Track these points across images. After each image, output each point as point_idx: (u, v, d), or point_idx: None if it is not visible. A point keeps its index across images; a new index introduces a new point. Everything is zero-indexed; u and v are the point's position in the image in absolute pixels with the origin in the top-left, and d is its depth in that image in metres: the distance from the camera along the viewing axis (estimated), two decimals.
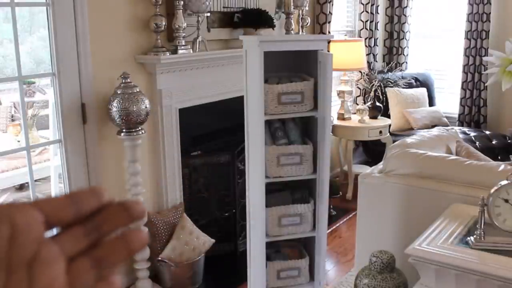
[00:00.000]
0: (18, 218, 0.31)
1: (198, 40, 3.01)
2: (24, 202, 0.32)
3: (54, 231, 0.33)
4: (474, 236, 1.81)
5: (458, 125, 5.10)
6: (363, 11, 5.07)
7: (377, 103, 4.68)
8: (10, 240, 0.30)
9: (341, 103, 4.65)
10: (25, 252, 0.31)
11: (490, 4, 4.85)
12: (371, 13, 5.09)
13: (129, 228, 0.35)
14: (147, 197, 2.93)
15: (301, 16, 3.93)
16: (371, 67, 5.11)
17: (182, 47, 2.90)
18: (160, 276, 2.95)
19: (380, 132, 4.51)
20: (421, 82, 5.32)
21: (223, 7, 3.37)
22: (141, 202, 0.36)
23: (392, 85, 4.96)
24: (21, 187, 4.76)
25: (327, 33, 4.38)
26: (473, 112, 5.12)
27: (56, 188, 3.38)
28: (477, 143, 4.34)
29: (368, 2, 5.05)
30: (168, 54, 2.84)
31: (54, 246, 0.32)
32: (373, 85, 4.71)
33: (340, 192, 4.35)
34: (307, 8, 3.91)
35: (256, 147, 2.30)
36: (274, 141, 2.40)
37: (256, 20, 3.46)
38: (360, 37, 5.06)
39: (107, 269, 0.34)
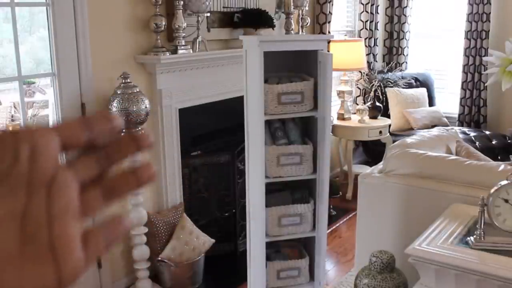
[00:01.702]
0: (39, 139, 0.31)
1: (198, 40, 3.01)
2: (42, 125, 0.32)
3: (65, 157, 0.34)
4: (474, 236, 1.81)
5: (458, 125, 5.09)
6: (363, 11, 5.07)
7: (377, 103, 4.68)
8: (30, 161, 0.31)
9: (341, 103, 4.65)
10: (44, 173, 0.31)
11: (490, 4, 4.85)
12: (371, 13, 5.09)
13: (139, 162, 0.36)
14: (147, 197, 2.93)
15: (301, 16, 3.93)
16: (371, 67, 5.11)
17: (182, 47, 2.90)
18: (160, 276, 2.95)
19: (380, 132, 4.51)
20: (421, 82, 5.32)
21: (223, 7, 3.37)
22: (149, 134, 0.37)
23: (392, 85, 4.96)
24: None
25: (327, 33, 4.38)
26: (473, 112, 5.12)
27: None
28: (477, 143, 4.34)
29: (368, 2, 5.05)
30: (168, 54, 2.84)
31: (70, 171, 0.33)
32: (373, 85, 4.71)
33: (340, 192, 4.35)
34: (307, 8, 3.91)
35: (256, 147, 2.30)
36: (274, 141, 2.40)
37: (256, 20, 3.46)
38: (360, 37, 5.06)
39: (116, 199, 0.35)
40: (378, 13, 5.17)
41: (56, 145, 0.32)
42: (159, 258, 2.87)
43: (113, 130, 0.35)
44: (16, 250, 0.31)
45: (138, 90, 2.60)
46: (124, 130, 0.34)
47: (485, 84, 4.91)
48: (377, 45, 5.25)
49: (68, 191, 0.32)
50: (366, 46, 4.98)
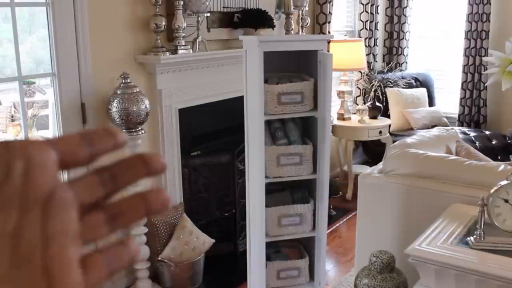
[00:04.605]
0: (34, 154, 0.29)
1: (198, 40, 3.01)
2: (38, 139, 0.30)
3: (69, 175, 0.31)
4: (474, 236, 1.81)
5: (458, 125, 5.09)
6: (363, 11, 5.07)
7: (377, 103, 4.68)
8: (24, 176, 0.28)
9: (341, 103, 4.65)
10: (40, 190, 0.29)
11: (490, 4, 4.86)
12: (371, 13, 5.09)
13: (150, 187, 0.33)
14: None
15: (301, 16, 3.93)
16: (371, 67, 5.11)
17: (182, 47, 2.90)
18: (160, 276, 2.95)
19: (380, 132, 4.51)
20: (421, 82, 5.32)
21: (223, 7, 3.37)
22: (161, 156, 0.33)
23: (392, 85, 4.96)
24: None
25: (327, 33, 4.38)
26: (473, 112, 5.12)
27: None
28: (477, 143, 4.34)
29: (368, 2, 5.05)
30: (168, 54, 2.84)
31: (69, 190, 0.30)
32: (373, 85, 4.71)
33: (340, 192, 4.35)
34: (307, 8, 3.91)
35: (256, 147, 2.30)
36: (274, 141, 2.40)
37: (256, 20, 3.46)
38: (360, 37, 5.06)
39: (121, 227, 0.32)
40: (378, 13, 5.18)
41: (53, 160, 0.29)
42: (159, 258, 2.87)
43: (117, 145, 0.32)
44: (6, 273, 0.27)
45: (138, 90, 2.60)
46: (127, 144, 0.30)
47: (485, 84, 4.91)
48: (377, 45, 5.25)
49: (66, 211, 0.29)
50: (366, 46, 4.98)
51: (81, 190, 0.31)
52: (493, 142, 4.44)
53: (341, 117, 4.62)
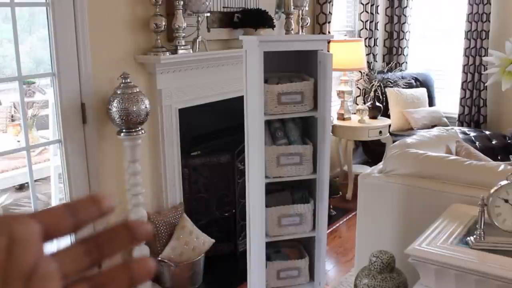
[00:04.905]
0: (16, 229, 0.29)
1: (198, 40, 3.01)
2: (22, 214, 0.30)
3: (54, 246, 0.32)
4: (474, 236, 1.81)
5: (458, 125, 5.10)
6: (363, 11, 5.08)
7: (377, 103, 4.68)
8: (7, 253, 0.29)
9: (341, 103, 4.65)
10: (22, 265, 0.29)
11: (490, 4, 4.86)
12: (371, 13, 5.10)
13: (135, 256, 0.33)
14: (147, 197, 2.93)
15: (301, 16, 3.93)
16: (371, 67, 5.11)
17: (182, 47, 2.90)
18: (160, 276, 2.95)
19: (380, 132, 4.51)
20: (421, 82, 5.32)
21: (223, 7, 3.37)
22: (147, 223, 0.34)
23: (392, 85, 4.96)
24: (21, 187, 4.76)
25: (327, 33, 4.38)
26: (473, 112, 5.13)
27: (56, 188, 3.38)
28: (477, 143, 4.34)
29: (368, 2, 5.05)
30: (168, 54, 2.84)
31: (53, 263, 0.31)
32: (373, 85, 4.71)
33: (340, 192, 4.35)
34: (307, 8, 3.91)
35: (256, 147, 2.30)
36: (274, 141, 2.40)
37: (256, 20, 3.46)
38: (360, 37, 5.06)
39: None
40: (378, 13, 5.18)
41: (36, 234, 0.30)
42: (159, 258, 2.87)
43: (103, 213, 0.32)
44: None
45: (138, 90, 2.60)
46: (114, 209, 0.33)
47: (485, 84, 4.91)
48: (377, 45, 5.25)
49: (49, 286, 0.29)
50: (366, 46, 4.99)
51: (66, 261, 0.31)
52: (493, 142, 4.44)
53: (341, 117, 4.63)
